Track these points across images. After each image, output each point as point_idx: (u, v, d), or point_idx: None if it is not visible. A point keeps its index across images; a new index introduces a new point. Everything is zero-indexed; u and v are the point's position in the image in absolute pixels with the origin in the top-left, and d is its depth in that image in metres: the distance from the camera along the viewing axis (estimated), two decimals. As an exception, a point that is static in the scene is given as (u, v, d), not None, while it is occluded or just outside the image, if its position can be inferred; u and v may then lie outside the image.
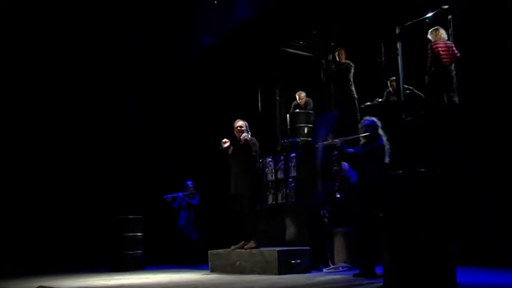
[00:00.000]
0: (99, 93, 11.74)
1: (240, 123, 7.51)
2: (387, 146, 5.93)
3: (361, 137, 6.04)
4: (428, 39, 7.55)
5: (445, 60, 7.35)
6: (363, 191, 5.92)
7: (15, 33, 10.85)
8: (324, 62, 9.31)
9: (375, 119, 6.07)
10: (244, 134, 7.30)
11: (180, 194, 10.29)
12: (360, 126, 6.12)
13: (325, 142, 6.97)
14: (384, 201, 4.82)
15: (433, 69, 7.41)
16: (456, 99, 7.27)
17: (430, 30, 7.57)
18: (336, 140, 6.25)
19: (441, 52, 7.33)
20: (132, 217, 9.97)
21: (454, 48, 7.40)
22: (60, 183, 11.33)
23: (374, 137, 5.95)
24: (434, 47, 7.39)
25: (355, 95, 8.66)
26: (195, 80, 11.70)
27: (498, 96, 6.46)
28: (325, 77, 9.15)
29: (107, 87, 11.80)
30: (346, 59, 8.84)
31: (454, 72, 7.43)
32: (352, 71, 8.73)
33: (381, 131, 6.01)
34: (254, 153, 7.30)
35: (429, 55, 7.44)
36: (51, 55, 11.27)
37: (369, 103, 8.54)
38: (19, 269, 9.45)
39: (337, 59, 8.88)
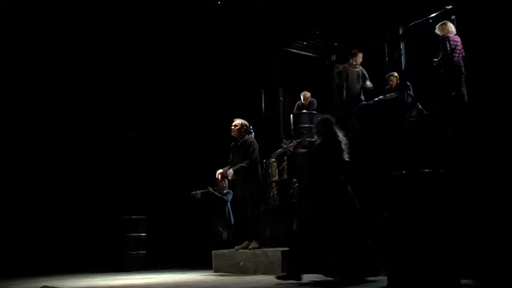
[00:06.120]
0: (100, 95, 11.76)
1: (235, 122, 7.43)
2: (344, 143, 5.66)
3: (316, 135, 5.80)
4: (431, 37, 7.52)
5: (455, 55, 7.30)
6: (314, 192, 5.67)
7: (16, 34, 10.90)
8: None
9: (328, 116, 5.88)
10: (230, 172, 7.20)
11: (211, 189, 9.42)
12: (314, 125, 5.89)
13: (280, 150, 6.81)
14: (387, 202, 4.81)
15: (441, 63, 7.37)
16: (465, 93, 7.24)
17: (437, 25, 7.51)
18: (290, 145, 6.07)
19: (453, 46, 7.29)
20: (136, 217, 9.99)
21: (461, 45, 7.40)
22: (63, 184, 11.34)
23: (329, 134, 5.69)
24: (446, 40, 7.32)
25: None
26: (196, 80, 11.72)
27: (502, 95, 6.43)
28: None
29: (110, 90, 11.82)
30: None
31: (463, 68, 7.38)
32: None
33: (335, 128, 5.75)
34: (252, 154, 7.22)
35: (440, 48, 7.37)
36: (57, 59, 11.33)
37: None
38: (23, 269, 9.47)
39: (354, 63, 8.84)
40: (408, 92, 7.87)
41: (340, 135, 5.70)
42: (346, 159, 5.61)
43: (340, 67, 8.89)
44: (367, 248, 5.42)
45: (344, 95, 8.71)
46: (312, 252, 5.39)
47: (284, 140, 6.08)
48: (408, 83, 7.96)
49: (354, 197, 5.57)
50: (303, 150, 5.90)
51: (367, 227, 5.57)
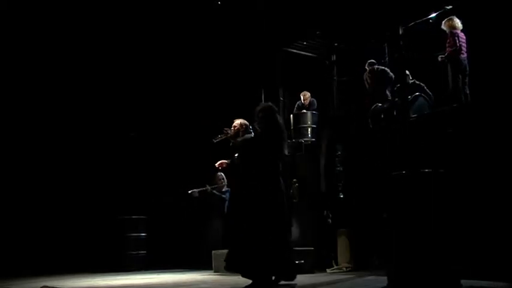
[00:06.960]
0: (100, 95, 11.76)
1: (236, 122, 7.36)
2: (285, 135, 5.36)
3: (256, 124, 5.37)
4: (435, 35, 7.48)
5: (462, 52, 7.21)
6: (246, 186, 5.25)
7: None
8: None
9: (270, 103, 5.49)
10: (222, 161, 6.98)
11: (209, 187, 9.19)
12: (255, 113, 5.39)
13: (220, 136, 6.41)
14: (387, 202, 4.82)
15: (446, 60, 7.26)
16: (468, 93, 7.20)
17: (444, 21, 7.39)
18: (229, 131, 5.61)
19: (461, 43, 7.20)
20: (136, 217, 9.99)
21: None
22: (63, 184, 11.34)
23: (269, 123, 5.23)
24: (456, 35, 7.17)
25: None
26: (196, 80, 11.72)
27: (504, 95, 6.44)
28: None
29: (110, 90, 11.82)
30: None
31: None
32: None
33: (279, 118, 5.36)
34: None
35: (448, 44, 7.26)
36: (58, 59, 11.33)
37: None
38: (23, 269, 9.46)
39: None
40: (420, 94, 7.77)
41: (282, 126, 5.34)
42: (286, 152, 5.34)
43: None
44: (284, 251, 5.12)
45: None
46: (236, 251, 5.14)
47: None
48: (422, 84, 7.90)
49: (284, 194, 5.25)
50: (241, 139, 5.55)
51: (288, 230, 5.32)
